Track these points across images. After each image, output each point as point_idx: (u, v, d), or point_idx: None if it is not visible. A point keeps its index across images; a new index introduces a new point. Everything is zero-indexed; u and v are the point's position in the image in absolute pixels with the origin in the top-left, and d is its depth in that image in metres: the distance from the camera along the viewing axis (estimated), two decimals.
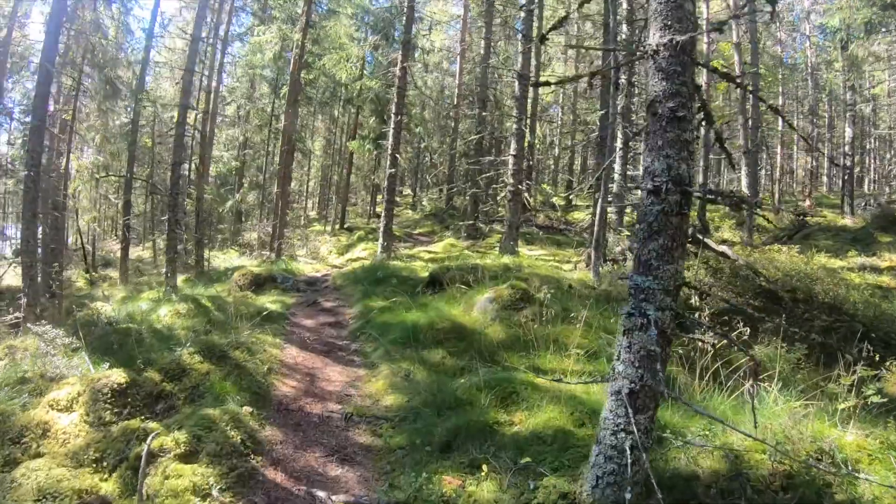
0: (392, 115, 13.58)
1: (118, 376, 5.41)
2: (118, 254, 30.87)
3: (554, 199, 24.73)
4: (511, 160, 13.94)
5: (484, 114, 18.16)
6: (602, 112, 12.95)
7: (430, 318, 8.04)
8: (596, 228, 10.83)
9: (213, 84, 19.35)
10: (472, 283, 9.68)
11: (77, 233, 22.86)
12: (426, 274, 11.37)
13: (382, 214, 13.45)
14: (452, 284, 9.63)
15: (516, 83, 14.46)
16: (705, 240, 3.71)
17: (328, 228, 28.47)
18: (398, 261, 13.19)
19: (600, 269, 11.13)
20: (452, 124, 27.39)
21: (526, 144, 23.69)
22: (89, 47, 14.23)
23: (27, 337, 8.17)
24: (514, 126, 14.09)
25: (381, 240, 13.44)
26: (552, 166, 36.08)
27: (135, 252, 33.30)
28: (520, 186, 13.70)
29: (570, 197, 27.99)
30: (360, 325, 8.77)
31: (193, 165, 21.75)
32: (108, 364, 6.08)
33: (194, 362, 6.00)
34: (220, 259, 25.09)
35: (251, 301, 10.24)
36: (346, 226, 24.54)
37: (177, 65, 30.26)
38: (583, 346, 6.88)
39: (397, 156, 13.25)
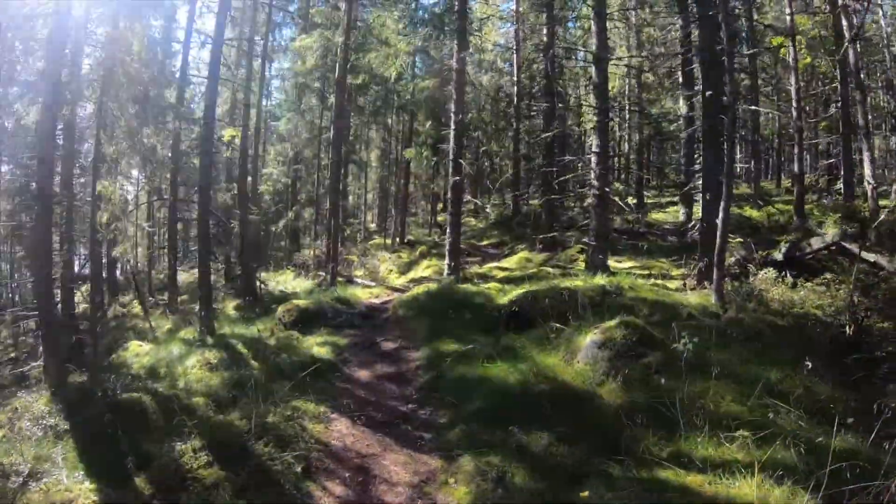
0: (451, 115, 11.65)
1: (86, 498, 3.66)
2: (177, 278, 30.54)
3: (628, 199, 22.14)
4: (594, 159, 11.73)
5: (553, 107, 15.91)
6: (708, 94, 10.54)
7: (522, 374, 6.01)
8: (719, 239, 8.48)
9: (255, 98, 18.06)
10: (567, 316, 7.58)
11: (128, 259, 22.11)
12: (505, 301, 9.35)
13: (448, 229, 11.51)
14: (543, 320, 7.56)
15: (593, 69, 12.25)
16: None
17: (388, 242, 26.92)
18: (468, 283, 11.22)
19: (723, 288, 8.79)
20: (514, 124, 25.26)
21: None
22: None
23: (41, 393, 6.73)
24: (595, 119, 11.88)
25: (447, 259, 11.48)
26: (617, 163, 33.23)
27: (193, 274, 33.07)
28: (607, 189, 11.45)
29: (643, 196, 25.30)
30: (429, 379, 6.81)
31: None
32: (82, 470, 4.37)
33: (199, 465, 4.22)
34: (276, 281, 23.96)
35: (296, 344, 8.49)
36: (406, 240, 22.79)
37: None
38: (742, 416, 4.77)
39: (461, 161, 11.32)
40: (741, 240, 11.74)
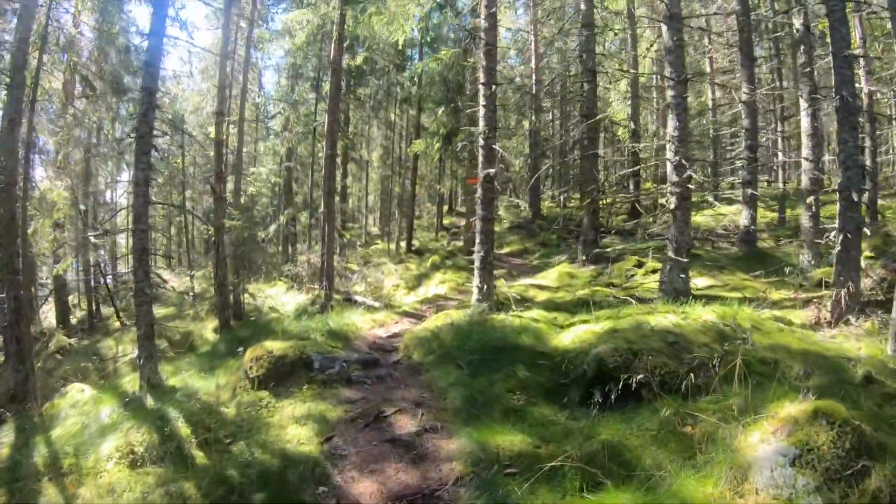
0: (480, 88, 8.76)
1: None
2: (168, 284, 27.58)
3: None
4: (671, 148, 8.87)
5: (594, 89, 12.92)
6: (845, 55, 7.66)
7: None
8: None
9: (234, 81, 15.24)
10: (680, 377, 4.74)
11: (104, 266, 19.22)
12: (569, 343, 6.53)
13: (477, 238, 8.53)
14: (645, 383, 4.72)
15: (664, 29, 9.41)
16: None
17: (391, 247, 24.07)
18: (504, 312, 8.35)
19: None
20: (532, 118, 22.39)
21: (629, 134, 18.38)
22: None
23: None
24: (671, 94, 9.01)
25: (476, 279, 8.54)
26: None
27: (184, 283, 30.09)
28: (689, 186, 8.58)
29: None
30: None
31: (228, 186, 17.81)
32: None
33: None
34: (265, 295, 21.08)
35: (264, 418, 5.63)
36: (413, 247, 19.88)
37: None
38: None
39: (494, 147, 8.40)
40: (871, 254, 8.87)
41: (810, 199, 10.31)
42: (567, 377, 5.78)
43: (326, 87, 15.81)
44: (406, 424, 5.38)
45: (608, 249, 12.10)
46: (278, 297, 19.97)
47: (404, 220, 22.71)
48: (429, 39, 17.71)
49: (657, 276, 11.05)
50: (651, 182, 23.31)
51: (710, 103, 20.65)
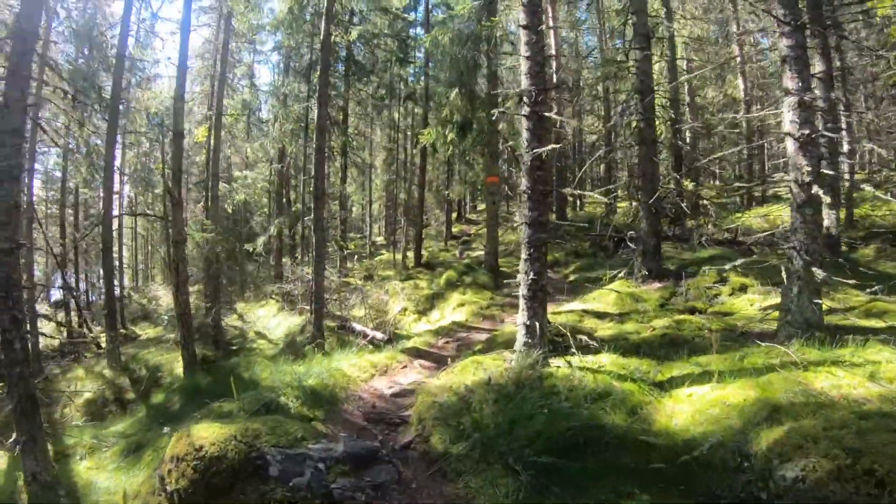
0: (522, 33, 5.89)
1: None
2: (162, 301, 25.02)
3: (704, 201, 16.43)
4: (791, 118, 6.20)
5: (649, 58, 10.09)
6: None
7: None
8: None
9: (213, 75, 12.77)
10: None
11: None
12: (688, 425, 3.99)
13: (524, 255, 5.61)
14: None
15: None
16: None
17: (397, 257, 21.45)
18: (558, 354, 5.72)
19: None
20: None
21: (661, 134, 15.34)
22: None
23: None
24: (785, 44, 6.36)
25: (523, 314, 5.61)
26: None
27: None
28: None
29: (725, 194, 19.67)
30: None
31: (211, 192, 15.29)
32: None
33: None
34: (256, 316, 18.50)
35: None
36: (423, 259, 17.18)
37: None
38: None
39: (547, 116, 5.56)
40: None
41: None
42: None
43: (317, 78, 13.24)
44: None
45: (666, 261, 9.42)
46: (268, 320, 17.40)
47: (411, 229, 20.10)
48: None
49: (750, 296, 8.39)
50: (689, 180, 20.54)
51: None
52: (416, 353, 7.93)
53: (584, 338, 5.96)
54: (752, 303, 8.15)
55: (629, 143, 10.58)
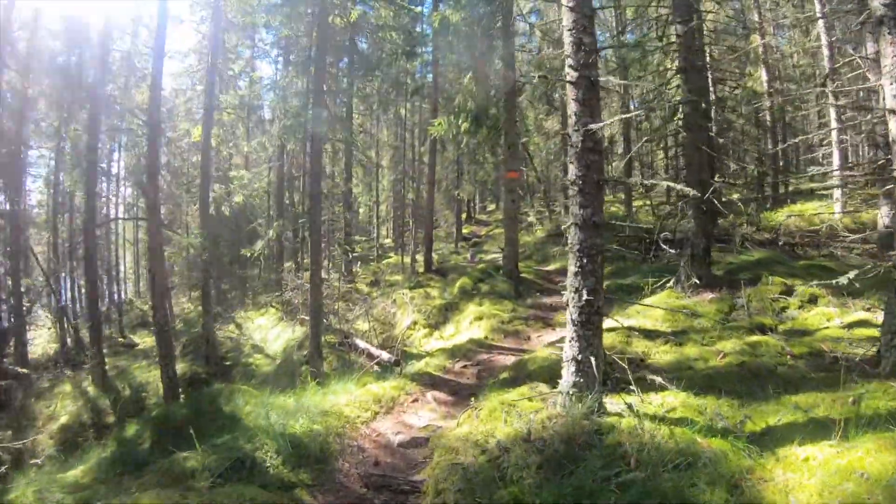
0: (566, 10, 4.69)
1: None
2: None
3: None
4: (893, 91, 4.87)
5: (692, 34, 8.73)
6: None
7: None
8: None
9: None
10: None
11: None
12: None
13: (571, 267, 4.14)
14: None
15: None
16: None
17: (405, 261, 20.22)
18: (612, 391, 4.43)
19: None
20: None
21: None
22: None
23: None
24: (883, 5, 5.02)
25: (572, 345, 4.14)
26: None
27: (180, 303, 26.38)
28: None
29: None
30: None
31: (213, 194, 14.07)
32: None
33: None
34: (255, 325, 17.32)
35: None
36: (433, 264, 15.88)
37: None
38: None
39: (597, 81, 4.27)
40: None
41: None
42: None
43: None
44: None
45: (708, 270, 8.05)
46: (267, 331, 16.20)
47: (420, 231, 18.80)
48: None
49: (823, 309, 7.05)
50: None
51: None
52: (430, 382, 6.64)
53: (648, 372, 4.64)
54: (829, 318, 6.80)
55: (674, 131, 9.20)
